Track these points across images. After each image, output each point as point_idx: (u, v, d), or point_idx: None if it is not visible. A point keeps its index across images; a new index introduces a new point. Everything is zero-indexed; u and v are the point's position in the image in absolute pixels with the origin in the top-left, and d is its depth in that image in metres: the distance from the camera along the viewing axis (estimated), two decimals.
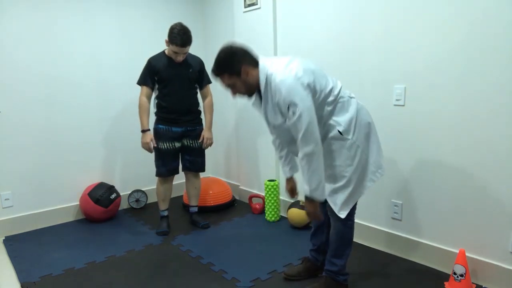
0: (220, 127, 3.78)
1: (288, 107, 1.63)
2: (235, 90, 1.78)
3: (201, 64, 2.90)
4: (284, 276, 2.16)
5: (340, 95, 1.79)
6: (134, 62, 3.35)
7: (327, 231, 2.04)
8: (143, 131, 2.72)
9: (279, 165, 3.18)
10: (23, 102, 2.89)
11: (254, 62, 1.73)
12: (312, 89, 1.68)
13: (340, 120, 1.77)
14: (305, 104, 1.61)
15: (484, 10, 1.87)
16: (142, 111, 2.73)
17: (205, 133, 2.92)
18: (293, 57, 1.76)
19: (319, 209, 1.77)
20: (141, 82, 2.73)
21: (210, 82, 2.97)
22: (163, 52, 2.77)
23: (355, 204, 1.88)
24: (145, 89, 2.72)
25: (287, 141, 1.89)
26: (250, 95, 1.82)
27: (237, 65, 1.69)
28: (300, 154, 1.69)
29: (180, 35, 2.59)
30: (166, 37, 2.64)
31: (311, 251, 2.18)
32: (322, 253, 2.12)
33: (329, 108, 1.77)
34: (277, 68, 1.68)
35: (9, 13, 2.77)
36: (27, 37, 2.86)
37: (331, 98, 1.76)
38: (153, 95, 2.80)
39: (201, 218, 3.03)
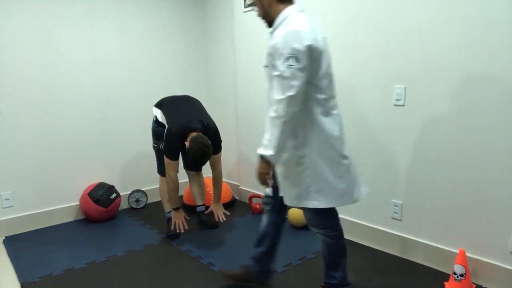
0: (220, 127, 3.78)
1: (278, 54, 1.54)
2: (257, 9, 1.74)
3: (214, 132, 2.68)
4: (221, 273, 2.12)
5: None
6: (134, 62, 3.36)
7: (269, 242, 1.96)
8: (176, 209, 2.63)
9: None
10: (23, 102, 2.89)
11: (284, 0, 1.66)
12: (315, 58, 1.56)
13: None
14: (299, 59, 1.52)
15: (484, 10, 1.87)
16: (175, 188, 2.58)
17: (213, 208, 2.80)
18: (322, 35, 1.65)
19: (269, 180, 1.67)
20: (173, 157, 2.53)
21: (219, 150, 2.77)
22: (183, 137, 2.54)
23: (335, 214, 1.80)
24: (175, 164, 2.56)
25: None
26: (266, 23, 1.74)
27: None
28: (269, 111, 1.59)
29: (197, 159, 2.43)
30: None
31: (250, 257, 2.05)
32: (260, 264, 2.01)
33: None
34: (299, 22, 1.56)
35: (9, 14, 2.77)
36: (26, 38, 2.86)
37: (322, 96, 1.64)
38: (159, 113, 2.69)
39: (208, 217, 2.97)
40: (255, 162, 3.38)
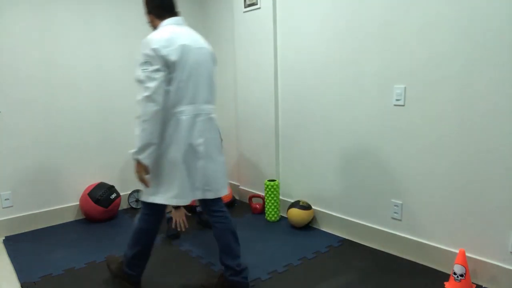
0: (220, 126, 3.78)
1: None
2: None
3: None
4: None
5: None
6: (134, 63, 3.36)
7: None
8: (176, 207, 2.60)
9: (279, 165, 3.18)
10: (23, 102, 2.89)
11: (161, 15, 1.88)
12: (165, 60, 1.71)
13: None
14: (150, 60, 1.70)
15: (484, 10, 1.87)
16: None
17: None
18: (184, 30, 1.83)
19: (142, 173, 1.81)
20: None
21: None
22: None
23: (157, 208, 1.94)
24: None
25: None
26: None
27: (147, 8, 1.92)
28: None
29: None
30: None
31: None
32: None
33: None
34: (157, 32, 1.76)
35: (9, 14, 2.77)
36: (27, 38, 2.86)
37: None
38: None
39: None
40: (255, 162, 3.38)
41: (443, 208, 2.16)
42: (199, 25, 3.83)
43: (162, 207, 1.96)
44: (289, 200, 3.11)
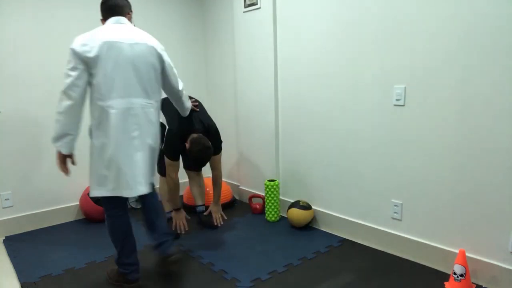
0: (220, 127, 3.78)
1: None
2: None
3: (214, 132, 2.72)
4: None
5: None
6: None
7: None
8: (177, 209, 2.62)
9: (279, 165, 3.18)
10: (23, 102, 2.89)
11: (106, 17, 2.00)
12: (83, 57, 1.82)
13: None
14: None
15: (484, 10, 1.87)
16: (176, 188, 2.58)
17: (212, 208, 2.78)
18: (112, 27, 1.92)
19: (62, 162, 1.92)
20: (173, 157, 2.54)
21: (219, 151, 2.79)
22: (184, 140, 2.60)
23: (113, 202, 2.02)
24: (176, 164, 2.55)
25: None
26: None
27: (100, 14, 2.05)
28: None
29: (197, 159, 2.45)
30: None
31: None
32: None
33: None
34: (86, 33, 1.88)
35: (10, 13, 2.77)
36: (28, 37, 2.86)
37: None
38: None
39: (208, 217, 2.95)
40: (255, 162, 3.38)
41: (443, 208, 2.16)
42: (199, 25, 3.83)
43: (116, 198, 2.01)
44: (289, 200, 3.11)
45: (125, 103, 1.87)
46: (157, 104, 2.04)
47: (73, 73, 1.79)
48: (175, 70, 2.16)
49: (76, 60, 1.80)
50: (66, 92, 1.80)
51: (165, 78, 2.10)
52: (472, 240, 2.06)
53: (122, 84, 1.86)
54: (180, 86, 2.25)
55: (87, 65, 1.81)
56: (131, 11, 2.10)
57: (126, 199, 2.07)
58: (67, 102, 1.80)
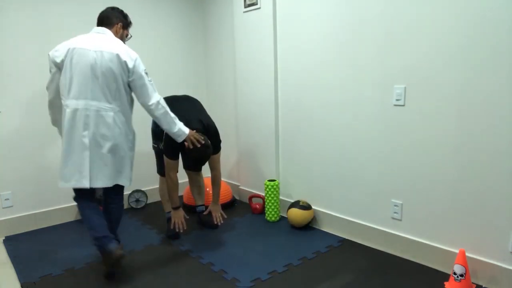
0: (220, 127, 3.78)
1: None
2: None
3: (213, 132, 2.69)
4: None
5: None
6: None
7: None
8: (175, 208, 2.62)
9: (279, 165, 3.18)
10: (23, 102, 2.89)
11: (97, 26, 2.29)
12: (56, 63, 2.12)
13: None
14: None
15: (484, 10, 1.87)
16: (175, 188, 2.57)
17: (212, 208, 2.78)
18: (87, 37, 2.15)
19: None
20: (172, 156, 2.53)
21: (219, 150, 2.77)
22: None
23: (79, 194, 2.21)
24: (175, 164, 2.55)
25: None
26: None
27: None
28: None
29: (197, 159, 2.44)
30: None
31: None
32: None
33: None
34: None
35: (10, 13, 2.77)
36: (28, 37, 2.86)
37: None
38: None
39: (208, 217, 2.94)
40: (255, 162, 3.38)
41: (443, 208, 2.16)
42: (199, 25, 3.83)
43: (80, 190, 2.17)
44: (289, 200, 3.11)
45: (78, 104, 2.07)
46: (121, 109, 2.16)
47: (50, 74, 2.16)
48: (148, 82, 2.18)
49: (50, 64, 2.13)
50: (47, 91, 2.22)
51: (132, 88, 2.21)
52: (472, 240, 2.06)
53: (78, 87, 2.06)
54: (152, 100, 2.19)
55: (58, 68, 2.11)
56: (125, 23, 2.34)
57: (90, 190, 2.20)
58: (47, 98, 2.25)
